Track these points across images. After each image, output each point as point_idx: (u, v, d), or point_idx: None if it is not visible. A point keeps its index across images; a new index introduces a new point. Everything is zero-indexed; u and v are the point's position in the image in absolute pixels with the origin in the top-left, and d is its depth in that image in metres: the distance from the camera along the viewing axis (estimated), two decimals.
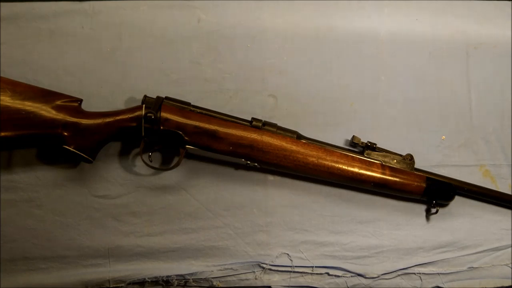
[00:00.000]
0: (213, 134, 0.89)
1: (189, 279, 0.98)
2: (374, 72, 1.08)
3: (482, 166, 1.09)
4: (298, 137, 0.95)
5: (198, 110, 0.91)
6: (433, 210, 1.01)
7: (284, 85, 1.04)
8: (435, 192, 0.98)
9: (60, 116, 0.86)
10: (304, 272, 1.01)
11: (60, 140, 0.86)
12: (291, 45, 1.05)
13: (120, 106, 0.98)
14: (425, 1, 1.11)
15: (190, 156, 0.99)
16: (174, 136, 0.89)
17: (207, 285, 0.99)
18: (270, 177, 1.01)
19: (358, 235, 1.03)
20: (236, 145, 0.90)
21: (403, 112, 1.08)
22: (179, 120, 0.88)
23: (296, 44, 1.05)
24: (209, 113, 0.92)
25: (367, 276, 1.02)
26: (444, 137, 1.08)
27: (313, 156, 0.93)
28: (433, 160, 1.07)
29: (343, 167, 0.94)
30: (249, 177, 1.01)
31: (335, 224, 1.03)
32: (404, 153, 0.99)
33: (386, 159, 0.97)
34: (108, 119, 0.88)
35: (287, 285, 1.00)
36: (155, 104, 0.88)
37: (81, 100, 0.90)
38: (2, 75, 0.87)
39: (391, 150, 0.99)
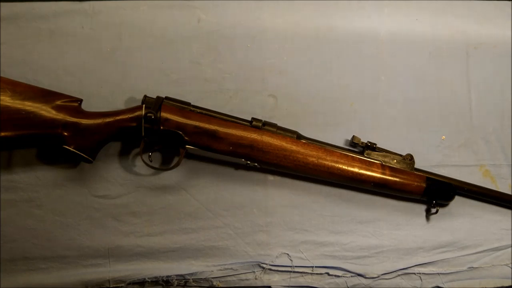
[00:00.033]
0: (213, 134, 0.89)
1: (189, 279, 0.98)
2: (374, 72, 1.08)
3: (482, 166, 1.09)
4: (298, 137, 0.95)
5: (198, 110, 0.91)
6: (433, 210, 1.01)
7: (284, 85, 1.04)
8: (435, 192, 0.98)
9: (60, 116, 0.86)
10: (304, 272, 1.01)
11: (60, 140, 0.86)
12: (291, 45, 1.05)
13: (120, 106, 0.98)
14: (425, 1, 1.11)
15: (190, 156, 0.99)
16: (174, 136, 0.89)
17: (207, 285, 0.99)
18: (270, 177, 1.01)
19: (358, 235, 1.03)
20: (236, 145, 0.90)
21: (403, 112, 1.08)
22: (179, 120, 0.88)
23: (296, 44, 1.05)
24: (209, 113, 0.92)
25: (367, 276, 1.02)
26: (444, 137, 1.08)
27: (313, 156, 0.93)
28: (433, 160, 1.07)
29: (343, 167, 0.94)
30: (249, 177, 1.01)
31: (335, 224, 1.03)
32: (404, 153, 0.99)
33: (386, 159, 0.97)
34: (108, 119, 0.88)
35: (287, 285, 1.00)
36: (155, 104, 0.88)
37: (81, 100, 0.90)
38: (2, 75, 0.87)
39: (391, 150, 0.99)
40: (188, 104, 0.92)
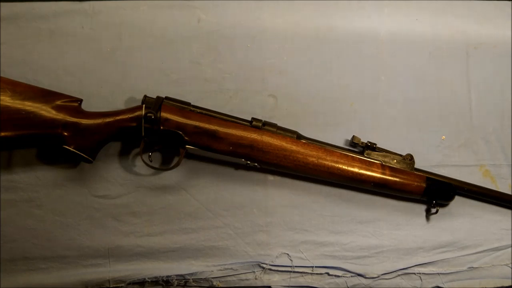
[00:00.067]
0: (213, 134, 0.89)
1: (189, 279, 0.98)
2: (374, 72, 1.08)
3: (482, 166, 1.09)
4: (298, 137, 0.95)
5: (198, 110, 0.91)
6: (433, 210, 1.01)
7: (284, 85, 1.04)
8: (435, 192, 0.98)
9: (60, 116, 0.86)
10: (304, 272, 1.01)
11: (60, 140, 0.86)
12: (291, 45, 1.05)
13: (120, 106, 0.98)
14: (425, 1, 1.11)
15: (190, 156, 0.99)
16: (174, 136, 0.89)
17: (207, 285, 0.99)
18: (270, 177, 1.01)
19: (358, 235, 1.03)
20: (236, 145, 0.90)
21: (403, 112, 1.08)
22: (179, 120, 0.88)
23: (296, 44, 1.05)
24: (209, 113, 0.92)
25: (367, 276, 1.02)
26: (444, 137, 1.08)
27: (313, 156, 0.93)
28: (433, 160, 1.07)
29: (343, 167, 0.94)
30: (249, 177, 1.01)
31: (335, 224, 1.03)
32: (404, 153, 0.99)
33: (386, 159, 0.97)
34: (108, 119, 0.88)
35: (287, 285, 1.00)
36: (155, 104, 0.88)
37: (81, 100, 0.90)
38: (2, 75, 0.87)
39: (391, 150, 0.99)
40: (188, 104, 0.92)
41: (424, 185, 0.97)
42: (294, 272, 1.00)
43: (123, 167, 0.98)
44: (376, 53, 1.08)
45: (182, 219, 0.99)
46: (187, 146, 0.90)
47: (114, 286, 0.96)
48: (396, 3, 1.10)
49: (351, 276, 1.02)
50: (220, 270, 0.99)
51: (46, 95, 0.86)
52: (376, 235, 1.04)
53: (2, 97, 0.82)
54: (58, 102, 0.87)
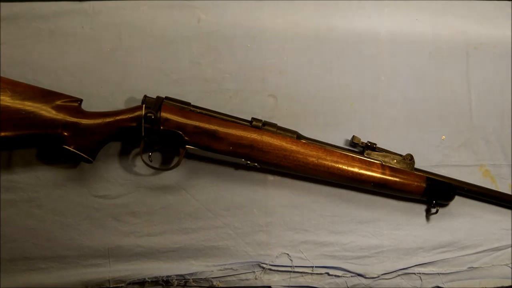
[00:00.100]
0: (213, 134, 0.89)
1: (189, 279, 0.98)
2: (374, 72, 1.08)
3: (482, 166, 1.09)
4: (298, 137, 0.95)
5: (198, 110, 0.91)
6: (433, 210, 1.01)
7: (284, 85, 1.04)
8: (435, 192, 0.98)
9: (60, 116, 0.86)
10: (304, 272, 1.01)
11: (60, 140, 0.86)
12: (291, 45, 1.05)
13: (120, 106, 0.98)
14: (425, 1, 1.11)
15: (190, 156, 0.99)
16: (174, 136, 0.89)
17: (207, 285, 0.99)
18: (270, 177, 1.01)
19: (358, 235, 1.03)
20: (236, 145, 0.90)
21: (403, 112, 1.08)
22: (179, 120, 0.88)
23: (296, 44, 1.05)
24: (209, 113, 0.92)
25: (367, 276, 1.02)
26: (444, 137, 1.08)
27: (313, 156, 0.93)
28: (433, 160, 1.07)
29: (343, 167, 0.94)
30: (249, 177, 1.01)
31: (335, 224, 1.03)
32: (404, 153, 0.99)
33: (386, 159, 0.97)
34: (108, 119, 0.88)
35: (287, 285, 1.00)
36: (155, 104, 0.88)
37: (81, 100, 0.90)
38: (2, 75, 0.87)
39: (391, 150, 0.99)
40: (188, 104, 0.92)
41: (424, 185, 0.97)
42: (294, 272, 1.00)
43: (123, 167, 0.98)
44: (376, 53, 1.08)
45: (182, 219, 0.99)
46: (187, 146, 0.90)
47: (114, 286, 0.96)
48: (396, 3, 1.10)
49: (351, 276, 1.02)
50: (220, 270, 0.99)
51: (46, 95, 0.86)
52: (376, 235, 1.04)
53: (2, 97, 0.82)
54: (58, 102, 0.87)
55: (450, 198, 1.00)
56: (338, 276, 1.01)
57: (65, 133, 0.86)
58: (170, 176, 0.99)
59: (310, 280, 1.01)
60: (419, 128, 1.08)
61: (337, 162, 0.94)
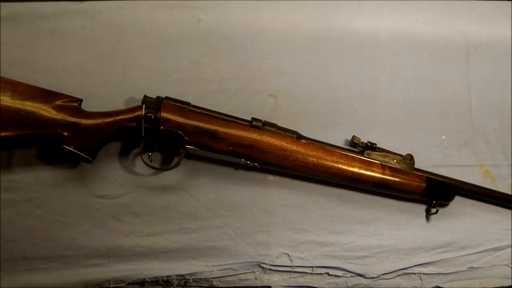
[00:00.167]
0: (213, 134, 0.89)
1: (189, 279, 0.98)
2: (374, 72, 1.08)
3: (482, 166, 1.09)
4: (298, 137, 0.95)
5: (198, 110, 0.91)
6: (433, 210, 1.01)
7: (284, 85, 1.04)
8: (435, 192, 0.98)
9: (60, 116, 0.86)
10: (304, 272, 1.01)
11: (60, 140, 0.86)
12: (291, 45, 1.05)
13: (120, 106, 0.98)
14: (425, 1, 1.11)
15: (190, 156, 0.99)
16: (174, 136, 0.89)
17: (207, 285, 0.99)
18: (270, 177, 1.01)
19: (358, 235, 1.03)
20: (236, 145, 0.90)
21: (403, 112, 1.08)
22: (179, 120, 0.88)
23: (296, 44, 1.05)
24: (209, 113, 0.92)
25: (367, 276, 1.02)
26: (444, 137, 1.08)
27: (313, 156, 0.93)
28: (433, 160, 1.07)
29: (343, 167, 0.94)
30: (249, 177, 1.01)
31: (335, 224, 1.03)
32: (404, 153, 0.99)
33: (386, 159, 0.97)
34: (108, 119, 0.88)
35: (287, 285, 1.00)
36: (155, 104, 0.88)
37: (81, 100, 0.90)
38: (2, 75, 0.87)
39: (391, 150, 0.99)
40: (188, 104, 0.92)
41: (424, 185, 0.97)
42: (294, 272, 1.00)
43: (123, 167, 0.98)
44: (376, 53, 1.08)
45: (182, 219, 0.99)
46: (187, 146, 0.90)
47: (114, 286, 0.96)
48: (396, 3, 1.10)
49: (351, 276, 1.02)
50: (220, 270, 0.99)
51: (46, 95, 0.86)
52: (376, 235, 1.04)
53: (2, 97, 0.82)
54: (58, 102, 0.87)
55: (450, 198, 1.00)
56: (338, 276, 1.01)
57: (65, 133, 0.86)
58: (170, 176, 0.99)
59: (310, 280, 1.01)
60: (419, 128, 1.08)
61: (337, 162, 0.94)
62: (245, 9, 1.04)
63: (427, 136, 1.08)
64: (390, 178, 0.96)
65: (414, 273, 1.04)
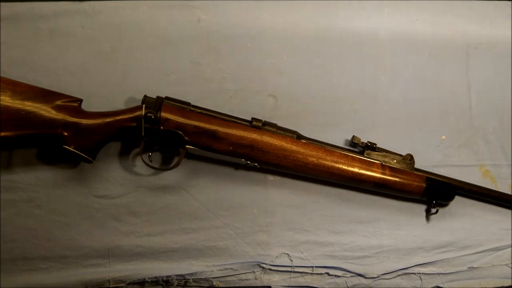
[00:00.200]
0: (213, 134, 0.89)
1: (189, 279, 0.98)
2: (374, 72, 1.08)
3: (482, 166, 1.09)
4: (298, 137, 0.95)
5: (198, 110, 0.91)
6: (433, 210, 1.01)
7: (284, 85, 1.04)
8: (435, 192, 0.98)
9: (60, 116, 0.86)
10: (304, 272, 1.01)
11: (60, 140, 0.86)
12: (291, 45, 1.05)
13: (120, 106, 0.98)
14: (425, 1, 1.11)
15: (190, 156, 0.99)
16: (174, 136, 0.89)
17: (207, 285, 0.99)
18: (270, 177, 1.01)
19: (358, 235, 1.03)
20: (236, 145, 0.90)
21: (403, 112, 1.08)
22: (179, 120, 0.88)
23: (296, 44, 1.05)
24: (209, 113, 0.92)
25: (367, 276, 1.02)
26: (444, 137, 1.08)
27: (313, 156, 0.93)
28: (433, 160, 1.07)
29: (343, 167, 0.94)
30: (249, 177, 1.01)
31: (335, 224, 1.03)
32: (404, 153, 0.99)
33: (386, 159, 0.97)
34: (108, 119, 0.88)
35: (287, 285, 1.00)
36: (155, 104, 0.88)
37: (81, 100, 0.90)
38: (2, 75, 0.87)
39: (391, 150, 0.99)
40: (188, 104, 0.92)
41: (424, 185, 0.97)
42: (294, 272, 1.00)
43: (123, 167, 0.98)
44: (376, 53, 1.08)
45: (182, 219, 0.99)
46: (187, 146, 0.90)
47: (114, 286, 0.96)
48: (396, 3, 1.10)
49: (351, 276, 1.02)
50: (220, 270, 0.99)
51: (46, 95, 0.86)
52: (376, 235, 1.04)
53: (2, 97, 0.82)
54: (58, 102, 0.87)
55: (450, 198, 1.00)
56: (338, 276, 1.01)
57: (65, 133, 0.86)
58: (170, 176, 0.99)
59: (310, 280, 1.01)
60: (419, 128, 1.08)
61: (337, 162, 0.94)
62: (245, 9, 1.04)
63: (427, 136, 1.08)
64: (390, 178, 0.96)
65: (414, 273, 1.04)
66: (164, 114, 0.88)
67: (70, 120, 0.86)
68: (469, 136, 1.09)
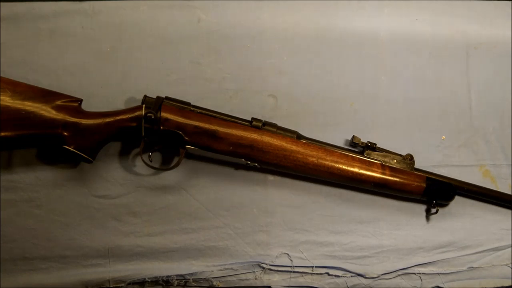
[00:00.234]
0: (213, 134, 0.89)
1: (189, 279, 0.98)
2: (374, 72, 1.08)
3: (482, 166, 1.09)
4: (298, 137, 0.95)
5: (198, 110, 0.91)
6: (433, 210, 1.01)
7: (284, 85, 1.04)
8: (435, 192, 0.98)
9: (60, 116, 0.86)
10: (304, 272, 1.01)
11: (60, 140, 0.86)
12: (291, 45, 1.05)
13: (120, 106, 0.98)
14: (425, 1, 1.11)
15: (190, 156, 0.99)
16: (174, 136, 0.89)
17: (207, 285, 0.99)
18: (270, 177, 1.01)
19: (358, 235, 1.03)
20: (236, 145, 0.90)
21: (403, 112, 1.08)
22: (179, 120, 0.88)
23: (296, 44, 1.05)
24: (209, 113, 0.92)
25: (367, 276, 1.02)
26: (444, 137, 1.08)
27: (313, 156, 0.93)
28: (433, 160, 1.07)
29: (343, 167, 0.94)
30: (249, 177, 1.01)
31: (335, 224, 1.03)
32: (404, 153, 0.99)
33: (386, 159, 0.97)
34: (108, 119, 0.88)
35: (287, 285, 1.00)
36: (155, 104, 0.88)
37: (81, 100, 0.90)
38: (2, 75, 0.87)
39: (391, 150, 0.99)
40: (188, 104, 0.92)
41: (424, 185, 0.97)
42: (294, 272, 1.00)
43: (123, 167, 0.98)
44: (376, 53, 1.08)
45: (182, 219, 0.99)
46: (187, 146, 0.90)
47: (114, 286, 0.96)
48: (396, 3, 1.10)
49: (351, 276, 1.02)
50: (220, 270, 0.99)
51: (46, 95, 0.86)
52: (376, 235, 1.04)
53: (2, 97, 0.82)
54: (58, 102, 0.87)
55: (450, 198, 1.00)
56: (338, 276, 1.01)
57: (65, 133, 0.86)
58: (170, 176, 0.99)
59: (310, 280, 1.01)
60: (419, 128, 1.08)
61: (337, 162, 0.94)
62: (245, 9, 1.04)
63: (427, 136, 1.08)
64: (390, 178, 0.96)
65: (414, 273, 1.04)
66: (164, 114, 0.88)
67: (70, 120, 0.86)
68: (469, 136, 1.09)
